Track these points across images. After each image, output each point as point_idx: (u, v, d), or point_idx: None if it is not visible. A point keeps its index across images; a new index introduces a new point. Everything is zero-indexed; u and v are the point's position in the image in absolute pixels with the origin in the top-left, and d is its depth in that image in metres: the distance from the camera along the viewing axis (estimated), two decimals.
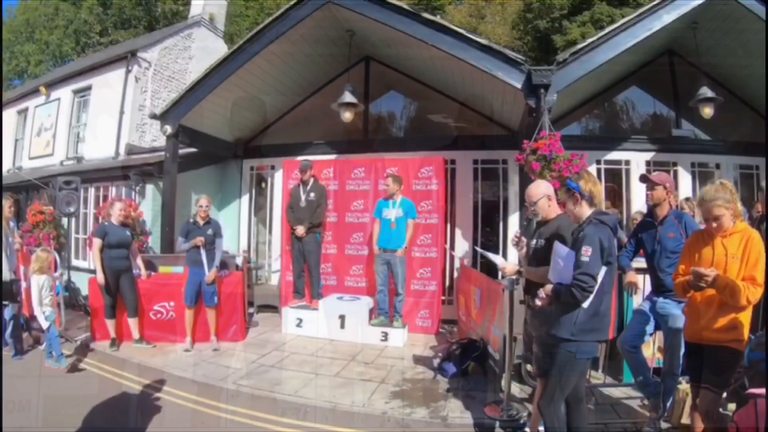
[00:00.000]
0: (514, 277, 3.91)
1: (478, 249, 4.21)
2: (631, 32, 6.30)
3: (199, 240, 6.45)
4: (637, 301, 4.89)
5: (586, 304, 3.09)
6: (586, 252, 3.04)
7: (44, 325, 5.79)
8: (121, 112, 12.63)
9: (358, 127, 9.24)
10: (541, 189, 3.76)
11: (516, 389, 4.98)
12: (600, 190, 3.36)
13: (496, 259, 3.96)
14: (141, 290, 6.67)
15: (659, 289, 4.23)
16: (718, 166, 8.01)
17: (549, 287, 3.25)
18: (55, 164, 13.55)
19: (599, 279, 3.09)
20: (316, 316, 7.25)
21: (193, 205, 9.42)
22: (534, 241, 3.79)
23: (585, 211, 3.29)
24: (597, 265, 3.06)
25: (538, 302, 3.30)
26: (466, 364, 5.57)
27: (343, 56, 8.46)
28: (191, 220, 6.66)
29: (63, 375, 5.60)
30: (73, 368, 5.81)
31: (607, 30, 6.40)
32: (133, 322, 6.56)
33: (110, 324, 6.48)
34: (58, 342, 5.92)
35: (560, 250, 3.24)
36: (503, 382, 4.75)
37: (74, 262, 10.03)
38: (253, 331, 7.46)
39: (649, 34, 6.32)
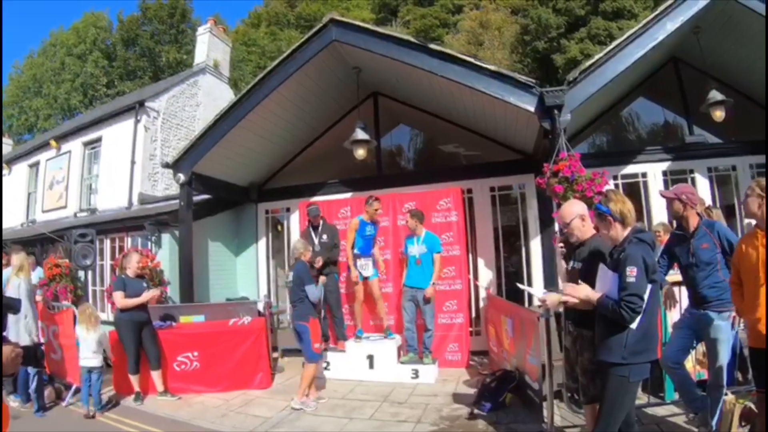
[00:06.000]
0: (560, 309, 3.78)
1: (521, 286, 4.11)
2: (638, 44, 6.27)
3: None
4: (674, 315, 4.75)
5: (634, 325, 2.99)
6: (632, 272, 2.96)
7: None
8: (132, 162, 12.71)
9: (371, 164, 9.23)
10: (574, 209, 3.67)
11: (557, 418, 4.78)
12: (630, 207, 3.26)
13: (536, 292, 3.84)
14: (163, 341, 6.57)
15: (698, 301, 4.12)
16: (734, 168, 7.90)
17: (590, 291, 3.17)
18: (69, 216, 13.64)
19: (645, 298, 3.00)
20: (343, 358, 7.11)
21: (210, 252, 9.43)
22: (571, 264, 3.70)
23: (620, 232, 3.21)
24: (643, 285, 2.98)
25: (565, 298, 3.26)
26: (503, 396, 5.40)
27: (351, 93, 8.50)
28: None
29: (89, 430, 5.49)
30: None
31: (614, 44, 6.36)
32: (156, 375, 6.43)
33: (134, 379, 6.36)
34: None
35: (605, 272, 3.16)
36: (545, 412, 4.59)
37: None
38: (280, 377, 7.32)
39: (655, 44, 6.30)
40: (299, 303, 5.91)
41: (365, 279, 7.34)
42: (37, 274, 8.30)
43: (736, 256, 3.47)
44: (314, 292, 5.94)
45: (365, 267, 7.29)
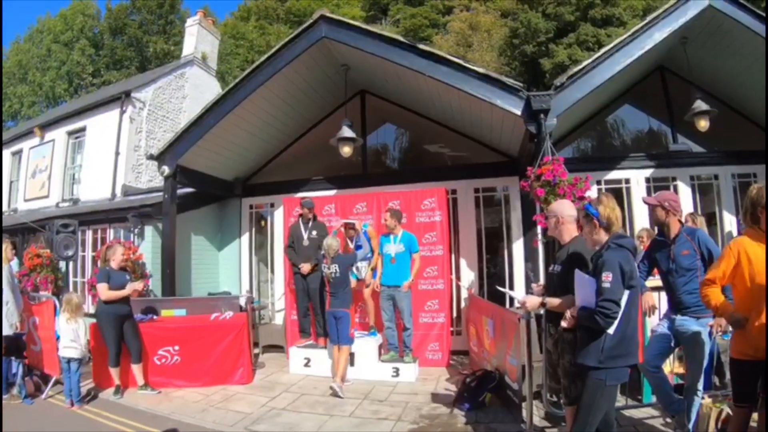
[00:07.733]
0: (542, 311, 3.84)
1: (500, 288, 4.16)
2: (625, 51, 6.37)
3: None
4: (653, 320, 4.82)
5: (611, 330, 3.03)
6: (607, 278, 3.00)
7: None
8: (117, 153, 12.57)
9: (356, 162, 9.21)
10: (557, 209, 3.76)
11: (536, 419, 4.83)
12: (618, 215, 3.29)
13: (516, 295, 3.90)
14: (144, 335, 6.51)
15: (677, 306, 4.18)
16: (716, 177, 8.04)
17: (574, 309, 3.21)
18: (51, 206, 13.46)
19: (623, 303, 3.04)
20: (324, 355, 7.10)
21: (193, 246, 9.37)
22: (551, 267, 3.75)
23: (602, 236, 3.26)
24: (619, 291, 3.02)
25: (564, 323, 3.27)
26: (483, 396, 5.45)
27: (339, 91, 8.49)
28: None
29: (68, 423, 5.41)
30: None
31: (602, 51, 6.47)
32: (137, 368, 6.38)
33: (114, 372, 6.29)
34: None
35: (581, 277, 3.19)
36: (524, 413, 4.65)
37: None
38: (260, 372, 7.28)
39: (642, 53, 6.39)
40: (342, 291, 6.47)
41: (358, 280, 7.35)
42: (15, 265, 8.18)
43: (742, 257, 3.19)
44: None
45: (357, 268, 7.32)
